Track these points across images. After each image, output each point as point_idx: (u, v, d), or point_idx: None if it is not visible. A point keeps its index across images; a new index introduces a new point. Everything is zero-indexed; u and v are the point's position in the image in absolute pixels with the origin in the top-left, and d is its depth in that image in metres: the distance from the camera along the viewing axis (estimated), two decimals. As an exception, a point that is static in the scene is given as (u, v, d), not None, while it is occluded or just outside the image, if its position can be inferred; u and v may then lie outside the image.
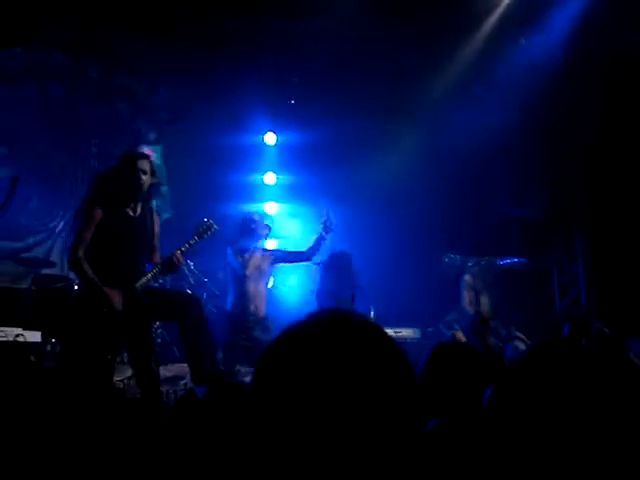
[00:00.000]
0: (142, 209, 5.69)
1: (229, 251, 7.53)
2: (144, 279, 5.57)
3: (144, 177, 5.57)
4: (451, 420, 2.39)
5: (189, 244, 5.70)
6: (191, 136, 10.49)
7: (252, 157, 10.80)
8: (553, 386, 1.68)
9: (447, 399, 3.08)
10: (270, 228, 7.78)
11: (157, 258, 5.79)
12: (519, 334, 8.19)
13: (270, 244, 9.77)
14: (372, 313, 8.18)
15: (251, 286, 7.39)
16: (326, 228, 7.47)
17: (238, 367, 6.89)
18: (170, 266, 5.65)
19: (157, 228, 5.86)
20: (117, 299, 5.37)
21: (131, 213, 5.63)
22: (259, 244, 7.58)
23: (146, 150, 5.84)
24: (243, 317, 7.18)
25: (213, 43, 9.15)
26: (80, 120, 9.55)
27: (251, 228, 7.52)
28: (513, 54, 9.25)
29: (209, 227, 5.86)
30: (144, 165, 5.59)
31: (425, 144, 9.70)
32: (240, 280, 7.38)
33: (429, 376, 3.24)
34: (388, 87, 9.52)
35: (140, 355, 5.64)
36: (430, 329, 8.90)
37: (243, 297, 7.30)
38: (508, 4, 8.88)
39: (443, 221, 9.74)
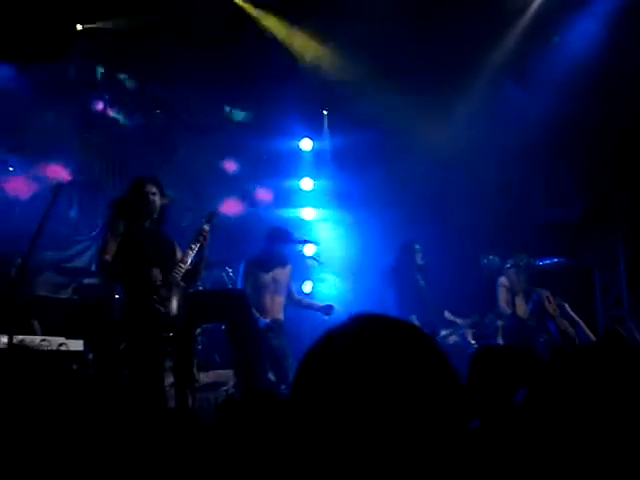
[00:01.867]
0: (154, 223, 6.09)
1: (242, 269, 7.65)
2: (178, 268, 5.84)
3: (153, 198, 6.00)
4: (487, 421, 2.37)
5: (204, 231, 6.04)
6: (227, 144, 10.56)
7: (289, 163, 10.84)
8: (588, 387, 1.66)
9: (495, 402, 3.07)
10: (297, 240, 7.93)
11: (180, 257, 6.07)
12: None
13: (309, 250, 9.81)
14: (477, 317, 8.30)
15: (267, 298, 7.51)
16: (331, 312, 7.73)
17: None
18: (199, 245, 5.96)
19: (175, 244, 6.24)
20: (154, 271, 5.61)
21: (147, 226, 6.03)
22: (283, 257, 7.71)
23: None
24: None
25: (247, 49, 9.20)
26: (117, 130, 9.65)
27: (277, 242, 7.64)
28: (550, 52, 9.19)
29: (213, 214, 6.30)
30: (152, 188, 6.00)
31: (461, 147, 9.64)
32: (257, 292, 7.46)
33: (475, 379, 3.23)
34: (423, 88, 9.47)
35: (183, 360, 5.77)
36: (473, 330, 8.85)
37: (260, 310, 7.34)
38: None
39: (481, 222, 9.68)
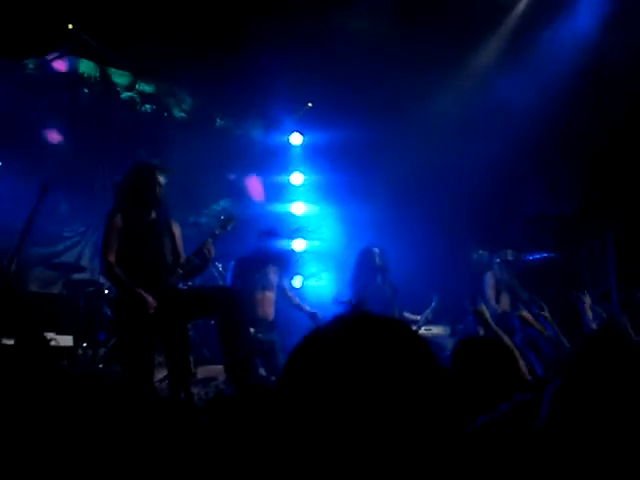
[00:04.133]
0: (157, 214, 5.89)
1: (232, 267, 7.67)
2: (176, 274, 5.75)
3: (159, 189, 5.83)
4: (504, 417, 2.34)
5: (214, 235, 5.91)
6: (217, 137, 10.54)
7: (279, 157, 10.82)
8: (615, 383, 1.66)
9: (478, 393, 3.06)
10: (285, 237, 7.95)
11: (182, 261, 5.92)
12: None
13: (298, 245, 9.81)
14: (434, 303, 8.21)
15: (258, 294, 7.58)
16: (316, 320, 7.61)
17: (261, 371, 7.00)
18: (201, 258, 5.82)
19: (177, 231, 6.03)
20: (150, 299, 5.51)
21: (148, 218, 5.82)
22: (273, 255, 7.77)
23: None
24: (252, 324, 7.23)
25: (238, 44, 9.19)
26: (107, 125, 9.61)
27: (267, 242, 7.71)
28: (540, 46, 9.18)
29: (229, 219, 6.09)
30: (160, 178, 5.85)
31: (454, 141, 9.64)
32: (247, 289, 7.44)
33: (457, 371, 3.23)
34: (413, 81, 9.44)
35: (175, 356, 5.75)
36: (460, 326, 8.84)
37: (251, 304, 7.34)
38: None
39: (473, 217, 9.68)
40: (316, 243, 10.33)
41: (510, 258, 8.69)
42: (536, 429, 1.78)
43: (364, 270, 8.00)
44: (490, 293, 8.50)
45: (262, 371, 7.05)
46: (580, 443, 1.61)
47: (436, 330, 8.63)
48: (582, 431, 1.62)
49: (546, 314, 7.22)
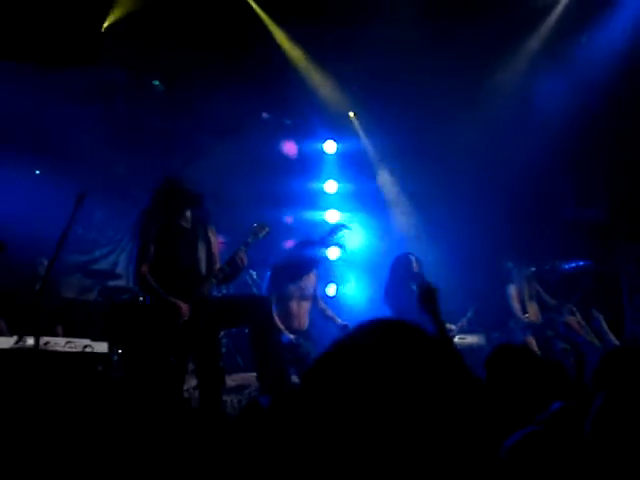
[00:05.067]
0: (193, 221, 5.94)
1: (269, 276, 7.59)
2: (209, 282, 5.77)
3: (190, 196, 5.88)
4: (544, 429, 2.30)
5: (247, 244, 5.93)
6: (252, 144, 10.58)
7: (313, 165, 10.83)
8: None
9: (512, 401, 3.02)
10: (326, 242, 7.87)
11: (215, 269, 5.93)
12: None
13: (332, 253, 9.81)
14: (469, 314, 8.16)
15: (294, 303, 7.49)
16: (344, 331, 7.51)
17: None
18: (234, 267, 5.82)
19: (213, 237, 6.05)
20: (183, 309, 5.52)
21: (184, 225, 5.88)
22: (310, 264, 7.66)
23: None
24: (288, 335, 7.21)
25: (271, 51, 9.24)
26: (142, 134, 9.69)
27: (307, 248, 7.63)
28: (575, 52, 9.13)
29: (262, 227, 6.07)
30: (186, 185, 5.89)
31: (486, 149, 9.57)
32: (283, 299, 7.44)
33: (491, 378, 3.20)
34: (445, 95, 9.41)
35: (206, 364, 5.76)
36: (495, 334, 8.76)
37: (287, 315, 7.35)
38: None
39: (506, 225, 9.60)
40: (350, 251, 10.31)
41: (527, 271, 8.57)
42: (579, 444, 1.75)
43: (400, 277, 7.95)
44: (515, 305, 8.40)
45: (295, 379, 7.03)
46: (625, 463, 1.58)
47: (470, 339, 8.57)
48: (627, 449, 1.60)
49: (578, 318, 7.13)
